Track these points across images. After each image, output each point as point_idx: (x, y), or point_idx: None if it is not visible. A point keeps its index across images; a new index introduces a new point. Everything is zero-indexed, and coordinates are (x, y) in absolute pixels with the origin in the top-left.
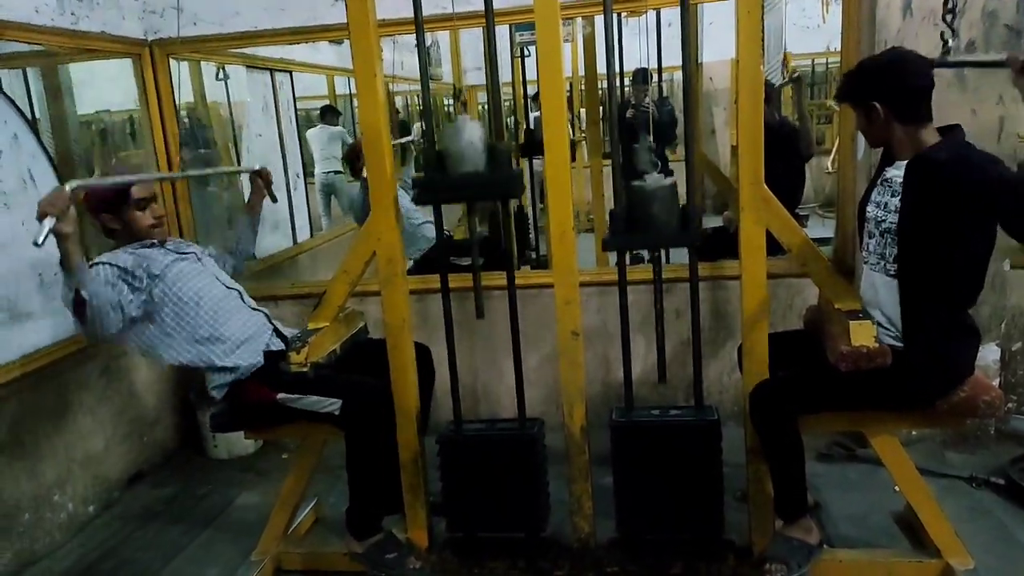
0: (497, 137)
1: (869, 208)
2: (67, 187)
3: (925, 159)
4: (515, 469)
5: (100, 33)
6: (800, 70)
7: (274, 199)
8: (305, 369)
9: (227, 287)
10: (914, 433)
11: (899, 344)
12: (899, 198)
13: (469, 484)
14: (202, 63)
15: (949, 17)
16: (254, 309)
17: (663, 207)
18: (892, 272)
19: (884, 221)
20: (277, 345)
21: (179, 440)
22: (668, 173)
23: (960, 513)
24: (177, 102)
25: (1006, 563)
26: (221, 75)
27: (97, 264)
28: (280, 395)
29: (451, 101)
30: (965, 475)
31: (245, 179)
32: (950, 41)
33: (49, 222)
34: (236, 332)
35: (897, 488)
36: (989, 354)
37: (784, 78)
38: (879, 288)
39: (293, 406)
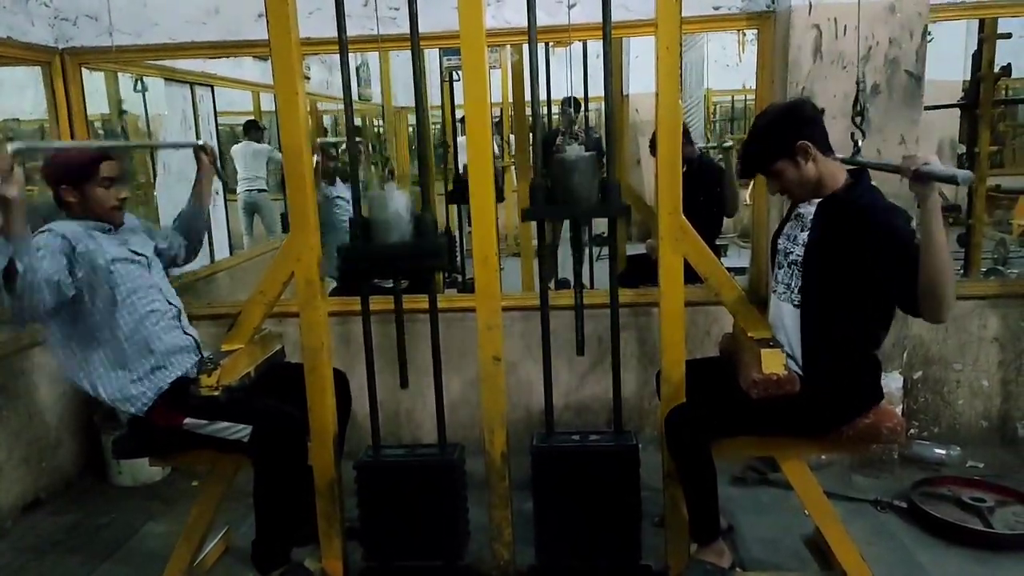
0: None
1: (780, 241)
2: (9, 148)
3: (836, 199)
4: (434, 495)
5: (6, 39)
6: (730, 140)
7: (222, 177)
8: (216, 393)
9: (169, 302)
10: (823, 458)
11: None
12: (807, 233)
13: (387, 511)
14: (119, 74)
15: (858, 119)
16: (185, 333)
17: (583, 178)
18: (796, 303)
19: (792, 253)
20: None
21: (81, 465)
22: None
23: (866, 536)
24: (87, 113)
25: None
26: (138, 87)
27: (44, 231)
28: (187, 420)
29: (381, 122)
30: (870, 499)
31: (163, 189)
32: (859, 142)
33: None
34: (154, 359)
35: (807, 512)
36: (892, 382)
37: (708, 141)
38: (785, 317)
39: (201, 432)
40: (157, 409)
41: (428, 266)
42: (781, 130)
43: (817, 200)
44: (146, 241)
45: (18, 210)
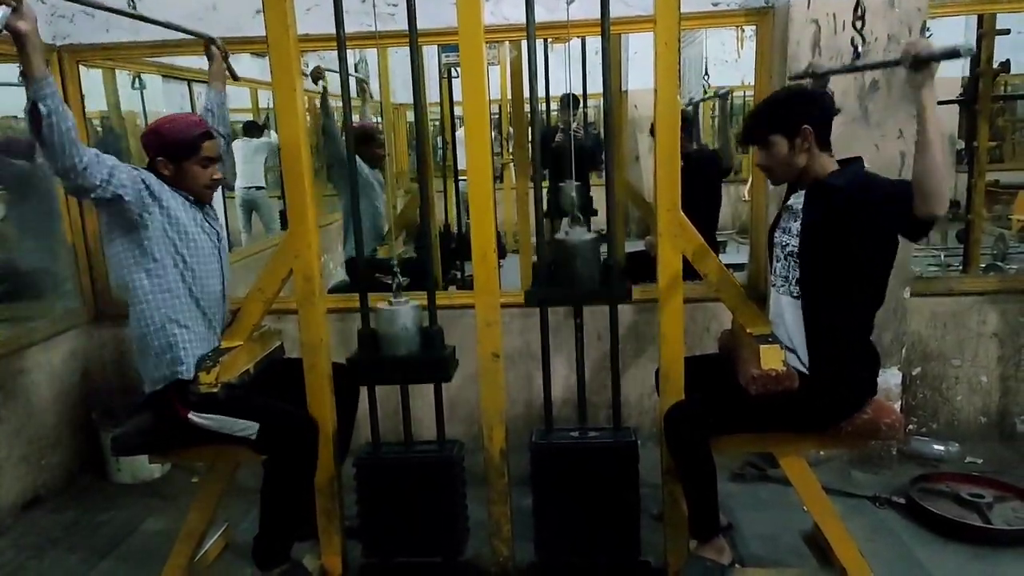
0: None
1: (776, 234)
2: None
3: (823, 184)
4: (433, 492)
5: (3, 35)
6: (727, 88)
7: (234, 75)
8: (215, 390)
9: (224, 292)
10: (821, 454)
11: (804, 368)
12: (799, 222)
13: (386, 508)
14: (116, 71)
15: (859, 24)
16: (220, 319)
17: (585, 263)
18: (796, 294)
19: (788, 245)
20: None
21: (80, 463)
22: (589, 200)
23: (864, 532)
24: (85, 110)
25: None
26: (136, 84)
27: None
28: (191, 414)
29: (379, 119)
30: (869, 495)
31: None
32: (859, 47)
33: (3, 11)
34: (191, 337)
35: (805, 508)
36: (891, 378)
37: (705, 93)
38: (785, 310)
39: (207, 428)
40: (166, 399)
41: (434, 378)
42: (792, 108)
43: (803, 190)
44: (222, 228)
45: (33, 46)
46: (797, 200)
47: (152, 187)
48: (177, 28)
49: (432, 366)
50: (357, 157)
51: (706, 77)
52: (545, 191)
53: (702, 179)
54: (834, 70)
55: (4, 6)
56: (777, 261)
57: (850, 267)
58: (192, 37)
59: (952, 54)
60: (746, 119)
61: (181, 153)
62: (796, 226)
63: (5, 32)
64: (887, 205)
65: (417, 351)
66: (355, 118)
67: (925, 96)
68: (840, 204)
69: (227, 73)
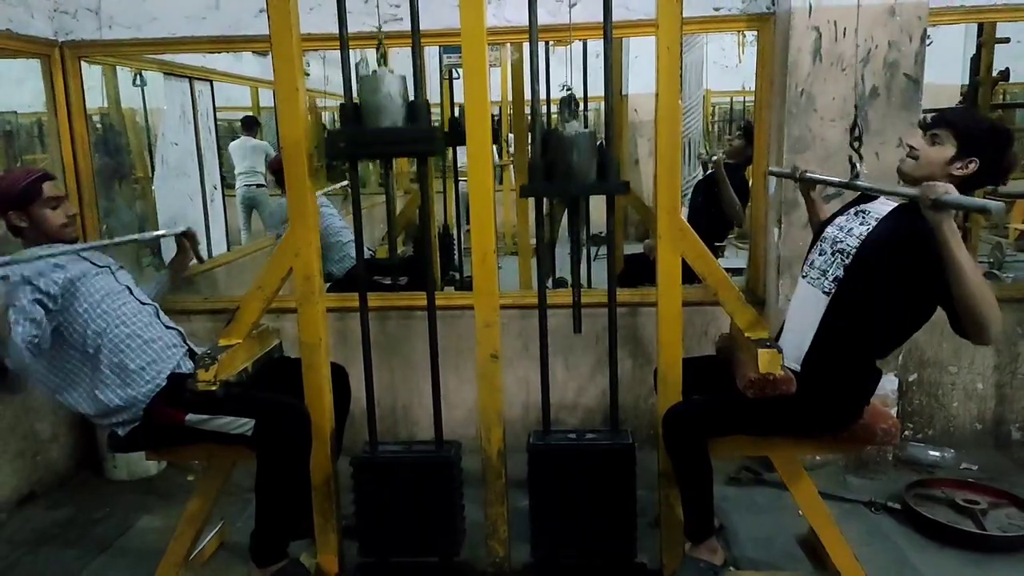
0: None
1: (829, 229)
2: None
3: (917, 209)
4: (431, 492)
5: (5, 31)
6: (718, 154)
7: (200, 259)
8: (214, 388)
9: (141, 303)
10: (817, 458)
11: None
12: (866, 228)
13: (383, 507)
14: (117, 68)
15: (856, 144)
16: (167, 327)
17: (581, 155)
18: (827, 290)
19: (841, 242)
20: (188, 366)
21: (76, 459)
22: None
23: (860, 537)
24: (86, 106)
25: None
26: (137, 81)
27: (2, 277)
28: (189, 416)
29: None
30: (864, 500)
31: (161, 184)
32: (858, 166)
33: None
34: (143, 357)
35: (801, 512)
36: (887, 384)
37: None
38: (807, 302)
39: (203, 428)
40: (156, 408)
41: (420, 151)
42: (985, 137)
43: (894, 203)
44: (103, 256)
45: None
46: (877, 209)
47: (36, 294)
48: (154, 239)
49: (418, 138)
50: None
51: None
52: None
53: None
54: (823, 181)
55: None
56: (820, 254)
57: (888, 297)
58: (193, 40)
59: (980, 210)
60: (953, 109)
61: (24, 199)
62: (861, 229)
63: None
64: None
65: (403, 123)
66: None
67: (947, 227)
68: (922, 238)
69: (192, 263)
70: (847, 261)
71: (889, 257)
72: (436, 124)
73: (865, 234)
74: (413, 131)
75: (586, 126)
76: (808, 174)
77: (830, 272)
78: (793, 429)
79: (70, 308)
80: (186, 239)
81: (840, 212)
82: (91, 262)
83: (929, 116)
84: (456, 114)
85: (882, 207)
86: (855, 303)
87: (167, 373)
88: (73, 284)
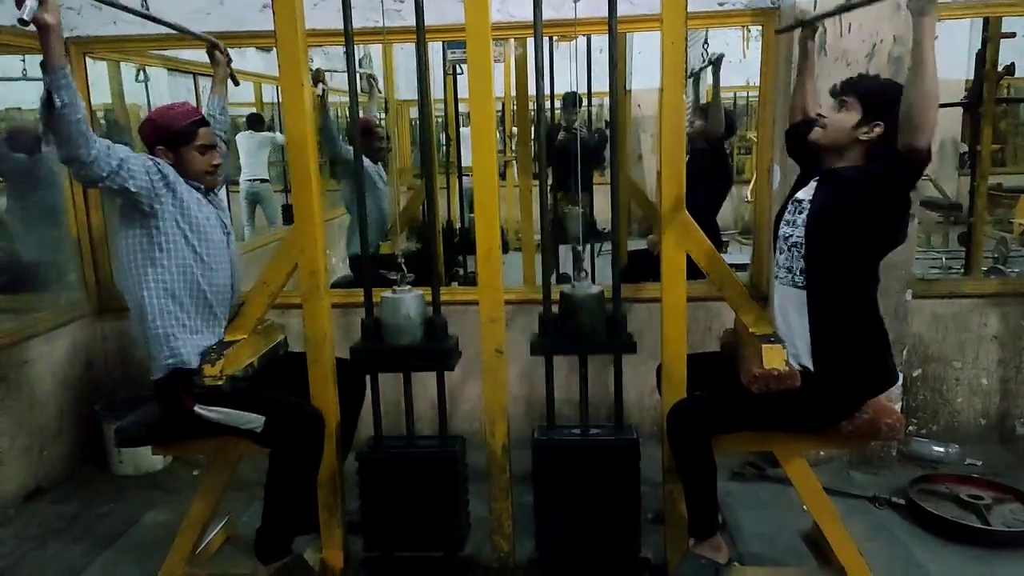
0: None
1: (782, 228)
2: None
3: (835, 172)
4: (435, 487)
5: (9, 27)
6: (719, 53)
7: (236, 81)
8: (220, 382)
9: (233, 284)
10: (822, 454)
11: (803, 364)
12: (805, 214)
13: (388, 502)
14: (121, 64)
15: None
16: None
17: (590, 316)
18: (800, 283)
19: (791, 236)
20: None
21: (82, 454)
22: (590, 197)
23: (864, 532)
24: (91, 103)
25: None
26: (141, 77)
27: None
28: (198, 406)
29: (382, 115)
30: (869, 495)
31: None
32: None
33: (31, 3)
34: (196, 316)
35: (805, 507)
36: None
37: (704, 61)
38: (787, 300)
39: (212, 419)
40: (176, 383)
41: (437, 367)
42: (890, 100)
43: (814, 183)
44: (228, 218)
45: (55, 38)
46: (807, 193)
47: (168, 177)
48: (184, 31)
49: (434, 355)
50: None
51: (706, 45)
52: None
53: (709, 162)
54: (825, 14)
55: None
56: (780, 253)
57: (851, 249)
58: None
59: None
60: (855, 76)
61: (178, 141)
62: (802, 218)
63: (30, 25)
64: (880, 169)
65: (420, 340)
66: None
67: (926, 23)
68: (844, 188)
69: (230, 79)
70: (802, 252)
71: (832, 226)
72: (439, 119)
73: (805, 219)
74: (430, 350)
75: (590, 122)
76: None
77: (795, 267)
78: (798, 424)
79: (163, 199)
80: (218, 51)
81: (783, 209)
82: (220, 218)
83: (839, 84)
84: (466, 224)
85: (809, 190)
86: (828, 281)
87: (204, 348)
88: (200, 215)
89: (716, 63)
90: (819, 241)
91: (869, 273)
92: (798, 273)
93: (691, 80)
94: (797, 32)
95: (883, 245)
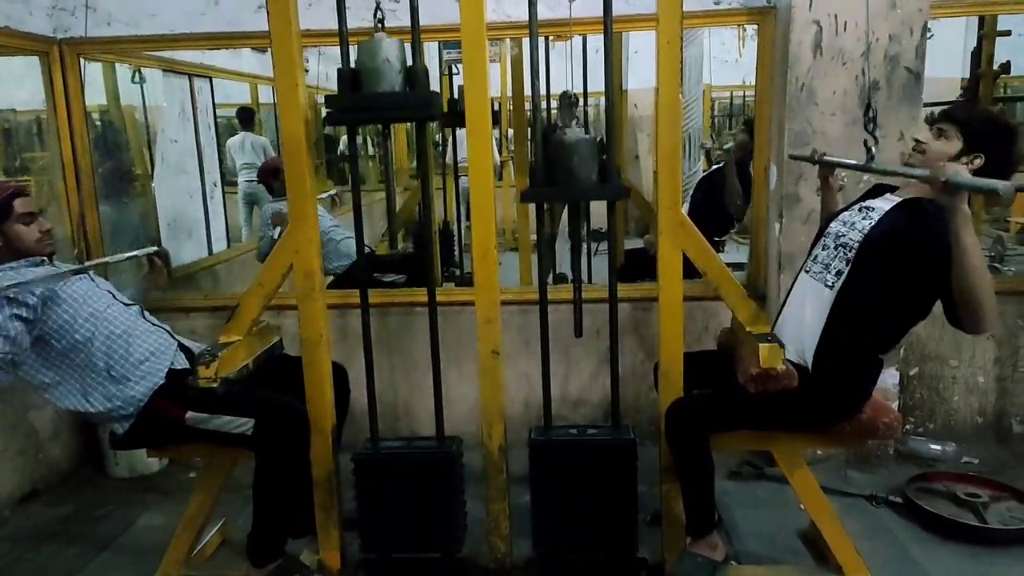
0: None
1: (834, 224)
2: None
3: (919, 202)
4: (432, 488)
5: (4, 28)
6: (730, 142)
7: (171, 276)
8: (214, 385)
9: (125, 304)
10: (819, 452)
11: (804, 362)
12: (870, 223)
13: (385, 503)
14: (116, 65)
15: (871, 126)
16: (156, 325)
17: (582, 160)
18: (830, 284)
19: (844, 236)
20: (182, 363)
21: (78, 457)
22: None
23: (861, 530)
24: (85, 104)
25: None
26: (136, 78)
27: None
28: (190, 415)
29: None
30: (866, 494)
31: (161, 181)
32: (873, 149)
33: None
34: (135, 355)
35: (802, 506)
36: (889, 378)
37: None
38: (809, 295)
39: (203, 427)
40: (156, 405)
41: (419, 116)
42: (991, 134)
43: (897, 199)
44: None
45: None
46: (880, 205)
47: (10, 306)
48: (126, 258)
49: (417, 104)
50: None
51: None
52: None
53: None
54: (840, 164)
55: None
56: (824, 249)
57: (891, 293)
58: (192, 36)
59: (989, 191)
60: (959, 105)
61: None
62: (864, 223)
63: None
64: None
65: (402, 88)
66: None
67: (960, 213)
68: (918, 229)
69: (163, 281)
70: (850, 255)
71: (891, 253)
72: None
73: (868, 228)
74: (412, 96)
75: (586, 122)
76: (826, 157)
77: (833, 266)
78: (795, 423)
79: (52, 315)
80: (158, 258)
81: (846, 208)
82: (66, 271)
83: (936, 111)
84: (455, 95)
85: (885, 203)
86: (859, 298)
87: (164, 371)
88: (52, 291)
89: (726, 152)
90: (871, 261)
91: (906, 317)
92: (833, 274)
93: None
94: (793, 31)
95: (916, 302)
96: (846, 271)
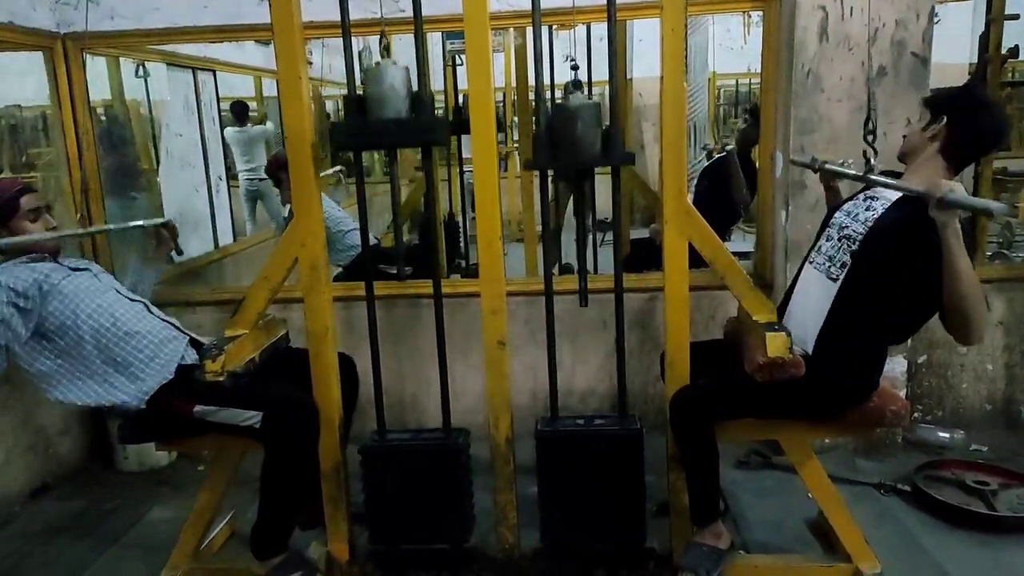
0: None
1: (837, 215)
2: None
3: (920, 200)
4: (439, 480)
5: (7, 24)
6: (731, 144)
7: (179, 252)
8: (221, 378)
9: (130, 300)
10: (826, 441)
11: (805, 349)
12: (874, 214)
13: (392, 495)
14: (121, 59)
15: (870, 138)
16: (163, 320)
17: (586, 126)
18: (834, 276)
19: (848, 227)
20: (193, 357)
21: (87, 451)
22: (591, 186)
23: (869, 519)
24: (90, 99)
25: (911, 568)
26: (140, 72)
27: None
28: (198, 408)
29: None
30: (874, 482)
31: (166, 175)
32: (872, 160)
33: None
34: (143, 349)
35: (810, 495)
36: (896, 366)
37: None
38: (812, 286)
39: (211, 420)
40: (165, 400)
41: (425, 142)
42: (955, 99)
43: (899, 193)
44: (80, 261)
45: None
46: (885, 196)
47: (11, 297)
48: (134, 227)
49: (422, 129)
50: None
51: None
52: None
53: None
54: (841, 174)
55: None
56: (828, 240)
57: (896, 285)
58: (195, 29)
59: (983, 212)
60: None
61: (5, 214)
62: (868, 215)
63: None
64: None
65: (407, 114)
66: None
67: (951, 229)
68: (923, 219)
69: (172, 253)
70: (853, 247)
71: (894, 245)
72: (440, 113)
73: (872, 220)
74: (417, 122)
75: None
76: (828, 166)
77: (837, 258)
78: (802, 412)
79: (54, 309)
80: (166, 230)
81: (850, 198)
82: (71, 268)
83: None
84: (460, 103)
85: (891, 193)
86: (863, 290)
87: (174, 366)
88: (54, 285)
89: (729, 153)
90: (875, 253)
91: (918, 309)
92: (837, 266)
93: None
94: (798, 16)
95: (922, 302)
96: (850, 263)
